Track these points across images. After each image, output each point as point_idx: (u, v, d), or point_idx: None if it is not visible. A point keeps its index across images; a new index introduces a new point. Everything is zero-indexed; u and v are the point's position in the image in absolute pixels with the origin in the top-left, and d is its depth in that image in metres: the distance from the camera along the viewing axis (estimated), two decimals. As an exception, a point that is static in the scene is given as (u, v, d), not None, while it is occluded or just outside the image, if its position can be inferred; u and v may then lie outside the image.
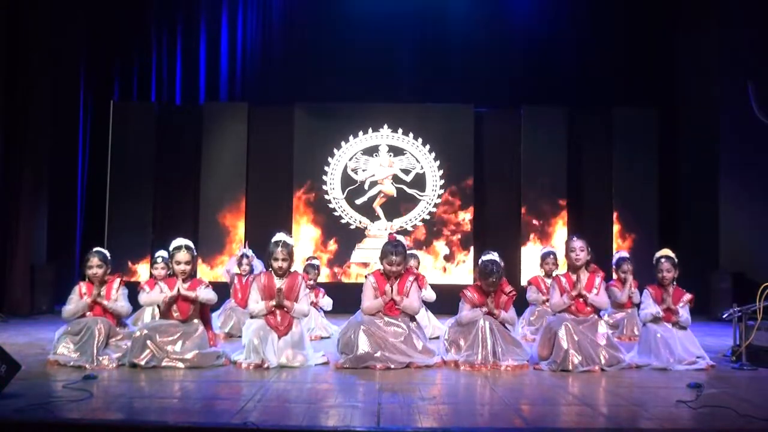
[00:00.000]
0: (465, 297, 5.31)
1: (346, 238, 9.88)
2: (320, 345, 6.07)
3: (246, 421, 3.28)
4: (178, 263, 5.11)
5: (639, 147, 9.92)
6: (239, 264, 7.31)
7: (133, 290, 5.43)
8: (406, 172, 9.97)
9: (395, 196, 9.93)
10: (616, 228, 9.84)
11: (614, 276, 7.24)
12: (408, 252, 5.76)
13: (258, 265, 7.30)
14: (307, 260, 7.87)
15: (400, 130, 10.01)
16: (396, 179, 9.95)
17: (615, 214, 9.87)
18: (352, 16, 10.33)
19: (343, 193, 9.93)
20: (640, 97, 10.20)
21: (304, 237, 9.80)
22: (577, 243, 5.31)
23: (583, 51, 10.40)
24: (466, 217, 9.87)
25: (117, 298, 5.29)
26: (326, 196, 9.92)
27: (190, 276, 5.18)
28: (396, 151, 10.00)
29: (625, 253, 7.58)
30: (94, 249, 5.45)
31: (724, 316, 5.61)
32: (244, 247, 7.59)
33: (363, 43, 10.23)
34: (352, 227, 9.90)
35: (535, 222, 9.83)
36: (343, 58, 10.29)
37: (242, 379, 4.55)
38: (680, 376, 4.76)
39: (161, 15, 10.52)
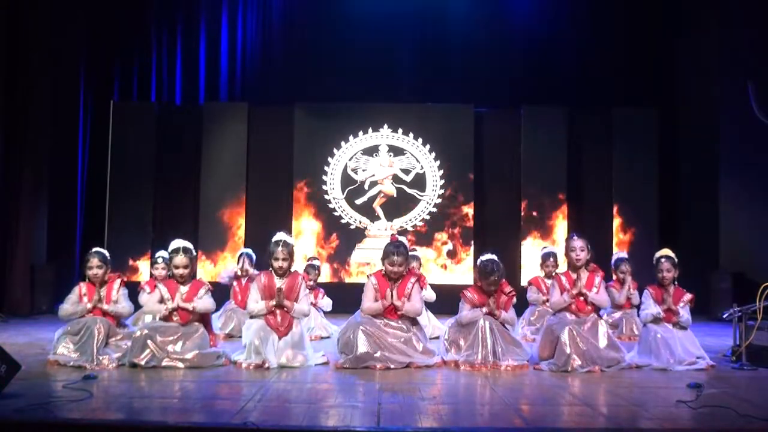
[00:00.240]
0: (465, 297, 5.31)
1: (346, 238, 9.88)
2: (320, 345, 6.07)
3: (246, 421, 3.28)
4: (177, 267, 5.13)
5: (639, 147, 9.91)
6: (239, 264, 7.33)
7: (133, 290, 5.44)
8: (406, 172, 9.97)
9: (395, 196, 9.93)
10: (615, 228, 9.84)
11: (613, 277, 7.24)
12: (410, 253, 5.76)
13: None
14: (308, 260, 7.87)
15: (400, 130, 10.01)
16: (396, 179, 9.95)
17: (615, 214, 9.87)
18: (352, 16, 10.32)
19: (343, 193, 9.93)
20: (640, 97, 10.20)
21: (305, 233, 9.79)
22: (578, 243, 5.30)
23: (583, 51, 10.40)
24: (467, 214, 9.86)
25: (117, 299, 5.30)
26: (326, 196, 9.92)
27: (190, 277, 5.19)
28: (396, 151, 10.00)
29: (623, 254, 7.58)
30: (94, 249, 5.46)
31: (724, 316, 5.61)
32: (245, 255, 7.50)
33: (363, 43, 10.23)
34: (352, 227, 9.90)
35: (534, 213, 9.81)
36: (343, 58, 10.28)
37: (242, 379, 4.55)
38: (680, 376, 4.77)
39: (161, 15, 10.52)
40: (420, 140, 9.98)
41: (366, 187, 9.94)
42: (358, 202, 9.92)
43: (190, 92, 10.51)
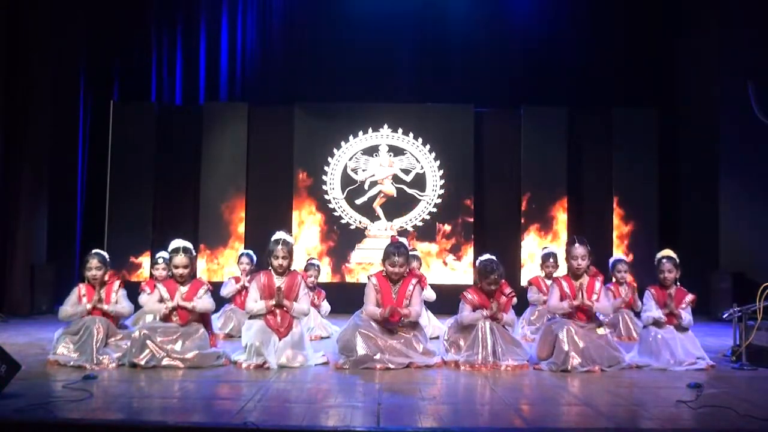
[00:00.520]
0: (465, 299, 5.31)
1: (346, 238, 9.88)
2: (320, 345, 6.07)
3: (246, 421, 3.28)
4: (176, 267, 5.14)
5: (639, 147, 9.91)
6: (239, 264, 7.34)
7: (133, 290, 5.44)
8: (406, 172, 9.96)
9: (395, 196, 9.93)
10: (615, 228, 9.83)
11: (612, 279, 7.18)
12: (411, 253, 5.76)
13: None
14: (308, 259, 7.87)
15: (400, 130, 10.00)
16: (396, 179, 9.95)
17: (615, 214, 9.87)
18: (352, 16, 10.32)
19: (343, 193, 9.92)
20: (640, 97, 10.20)
21: (305, 233, 9.79)
22: (580, 250, 5.23)
23: (583, 51, 10.39)
24: (466, 214, 9.86)
25: (117, 300, 5.31)
26: (326, 196, 9.92)
27: (190, 277, 5.19)
28: (396, 151, 9.99)
29: (621, 255, 7.54)
30: (93, 251, 5.48)
31: (724, 316, 5.61)
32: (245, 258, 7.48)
33: (363, 43, 10.23)
34: (352, 227, 9.90)
35: (534, 206, 9.79)
36: (343, 58, 10.28)
37: (242, 379, 4.55)
38: (680, 376, 4.77)
39: (161, 15, 10.51)
40: (420, 140, 9.98)
41: (366, 187, 9.94)
42: (358, 202, 9.92)
43: (190, 92, 10.51)
